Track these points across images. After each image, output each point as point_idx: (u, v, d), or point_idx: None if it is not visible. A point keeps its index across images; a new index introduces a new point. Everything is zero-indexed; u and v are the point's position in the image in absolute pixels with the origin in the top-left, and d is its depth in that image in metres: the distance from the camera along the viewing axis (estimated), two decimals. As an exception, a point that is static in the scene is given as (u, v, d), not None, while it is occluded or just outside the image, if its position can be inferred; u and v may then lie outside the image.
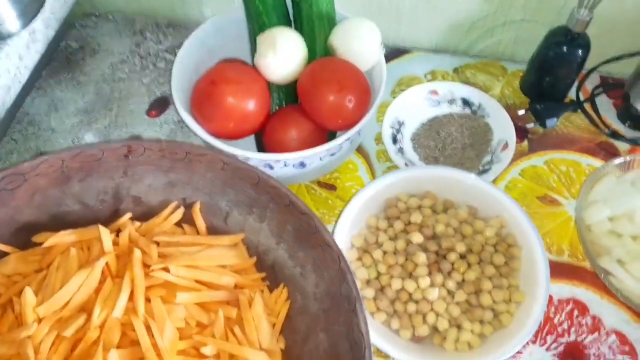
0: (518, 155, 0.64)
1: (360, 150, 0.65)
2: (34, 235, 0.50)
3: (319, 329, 0.45)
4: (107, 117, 0.68)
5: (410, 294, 0.49)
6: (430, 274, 0.49)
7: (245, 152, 0.52)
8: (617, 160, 0.58)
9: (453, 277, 0.49)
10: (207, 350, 0.44)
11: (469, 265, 0.50)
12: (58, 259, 0.48)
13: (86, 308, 0.45)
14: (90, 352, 0.43)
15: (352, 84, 0.54)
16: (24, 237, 0.50)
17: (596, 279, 0.55)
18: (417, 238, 0.51)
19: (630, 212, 0.54)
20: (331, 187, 0.62)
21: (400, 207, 0.54)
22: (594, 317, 0.54)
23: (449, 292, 0.49)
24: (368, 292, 0.50)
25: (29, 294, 0.44)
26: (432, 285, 0.49)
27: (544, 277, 0.48)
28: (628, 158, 0.58)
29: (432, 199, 0.54)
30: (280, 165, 0.54)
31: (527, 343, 0.53)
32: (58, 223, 0.51)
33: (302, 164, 0.54)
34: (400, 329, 0.49)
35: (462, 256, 0.51)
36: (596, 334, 0.53)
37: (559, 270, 0.57)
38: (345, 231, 0.52)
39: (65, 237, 0.49)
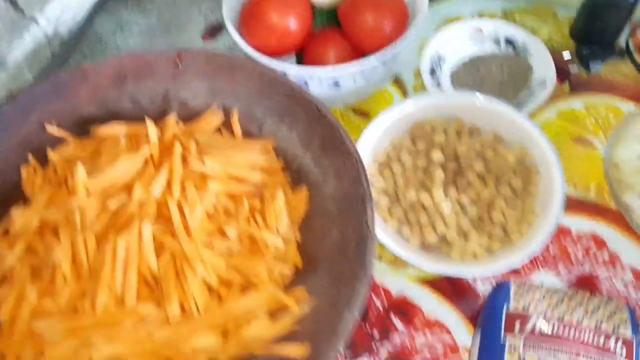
0: (557, 97, 0.64)
1: (398, 82, 0.67)
2: (92, 127, 0.56)
3: (333, 227, 0.49)
4: (166, 39, 0.73)
5: (423, 205, 0.51)
6: (445, 189, 0.51)
7: (282, 64, 0.55)
8: (656, 102, 0.57)
9: (468, 194, 0.51)
10: (231, 232, 0.49)
11: (486, 185, 0.52)
12: (109, 146, 0.54)
13: (129, 188, 0.51)
14: (128, 224, 0.49)
15: (390, 8, 0.56)
16: (83, 129, 0.56)
17: (620, 218, 0.55)
18: (437, 156, 0.53)
19: (662, 151, 0.53)
20: (365, 115, 0.65)
21: (426, 129, 0.56)
22: (612, 254, 0.54)
23: (462, 207, 0.51)
24: (383, 201, 0.53)
25: (80, 169, 0.50)
26: (446, 198, 0.51)
27: (559, 198, 0.50)
28: (668, 101, 0.57)
29: (460, 124, 0.56)
30: (315, 82, 0.57)
31: (539, 268, 0.54)
32: (113, 119, 0.57)
33: (336, 84, 0.57)
34: (411, 237, 0.52)
35: (480, 176, 0.53)
36: (612, 269, 0.54)
37: (582, 207, 0.57)
38: (369, 146, 0.55)
39: (117, 128, 0.55)
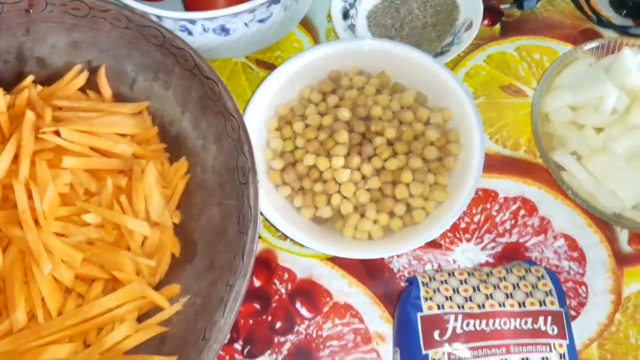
0: (487, 40, 0.56)
1: (307, 26, 0.58)
2: None
3: (213, 203, 0.41)
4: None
5: (321, 173, 0.44)
6: (348, 155, 0.44)
7: (156, 9, 0.46)
8: (592, 44, 0.50)
9: (372, 163, 0.44)
10: (89, 218, 0.40)
11: (395, 154, 0.44)
12: (-53, 117, 0.44)
13: (-31, 168, 0.42)
14: (-35, 213, 0.40)
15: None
16: None
17: (552, 178, 0.49)
18: (343, 114, 0.45)
19: (598, 101, 0.46)
20: (271, 67, 0.56)
21: (342, 83, 0.48)
22: (542, 218, 0.48)
23: (364, 178, 0.44)
24: (277, 164, 0.45)
25: None
26: (346, 166, 0.43)
27: (473, 178, 0.43)
28: (605, 41, 0.50)
29: (384, 80, 0.48)
30: (199, 29, 0.48)
31: (462, 240, 0.48)
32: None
33: (224, 30, 0.48)
34: (302, 207, 0.44)
35: (390, 143, 0.45)
36: (542, 236, 0.48)
37: (511, 166, 0.50)
38: (269, 99, 0.47)
39: (-41, 95, 0.45)
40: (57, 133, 0.43)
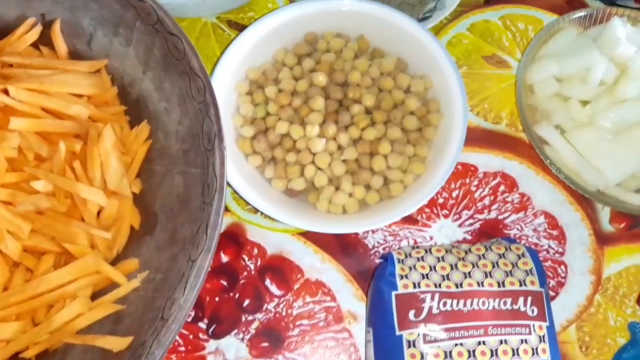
0: (471, 7, 0.54)
1: (283, -13, 0.54)
2: None
3: (175, 171, 0.38)
4: None
5: (294, 142, 0.41)
6: (324, 123, 0.41)
7: (116, -41, 0.42)
8: (580, 13, 0.48)
9: (349, 133, 0.41)
10: (39, 186, 0.37)
11: (373, 123, 0.42)
12: None
13: None
14: None
15: None
16: None
17: (534, 153, 0.47)
18: (319, 79, 0.42)
19: (585, 72, 0.44)
20: (244, 29, 0.52)
21: (319, 46, 0.44)
22: (522, 195, 0.47)
23: (340, 148, 0.41)
24: (247, 131, 0.42)
25: None
26: (321, 135, 0.41)
27: (453, 151, 0.40)
28: (594, 11, 0.48)
29: (364, 44, 0.45)
30: (165, -17, 0.44)
31: (439, 216, 0.46)
32: None
33: (192, -15, 0.44)
34: (274, 179, 0.42)
35: (369, 111, 0.42)
36: (522, 213, 0.46)
37: (491, 140, 0.48)
38: (239, 60, 0.43)
39: None
40: (6, 92, 0.39)
